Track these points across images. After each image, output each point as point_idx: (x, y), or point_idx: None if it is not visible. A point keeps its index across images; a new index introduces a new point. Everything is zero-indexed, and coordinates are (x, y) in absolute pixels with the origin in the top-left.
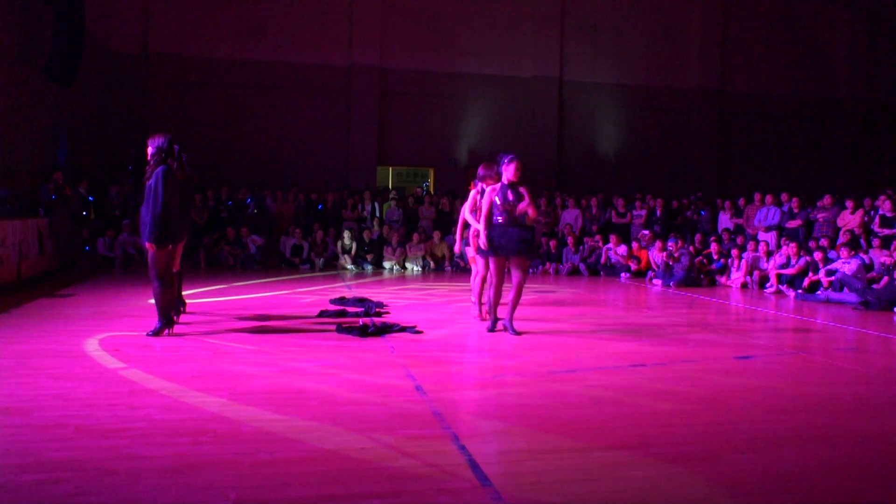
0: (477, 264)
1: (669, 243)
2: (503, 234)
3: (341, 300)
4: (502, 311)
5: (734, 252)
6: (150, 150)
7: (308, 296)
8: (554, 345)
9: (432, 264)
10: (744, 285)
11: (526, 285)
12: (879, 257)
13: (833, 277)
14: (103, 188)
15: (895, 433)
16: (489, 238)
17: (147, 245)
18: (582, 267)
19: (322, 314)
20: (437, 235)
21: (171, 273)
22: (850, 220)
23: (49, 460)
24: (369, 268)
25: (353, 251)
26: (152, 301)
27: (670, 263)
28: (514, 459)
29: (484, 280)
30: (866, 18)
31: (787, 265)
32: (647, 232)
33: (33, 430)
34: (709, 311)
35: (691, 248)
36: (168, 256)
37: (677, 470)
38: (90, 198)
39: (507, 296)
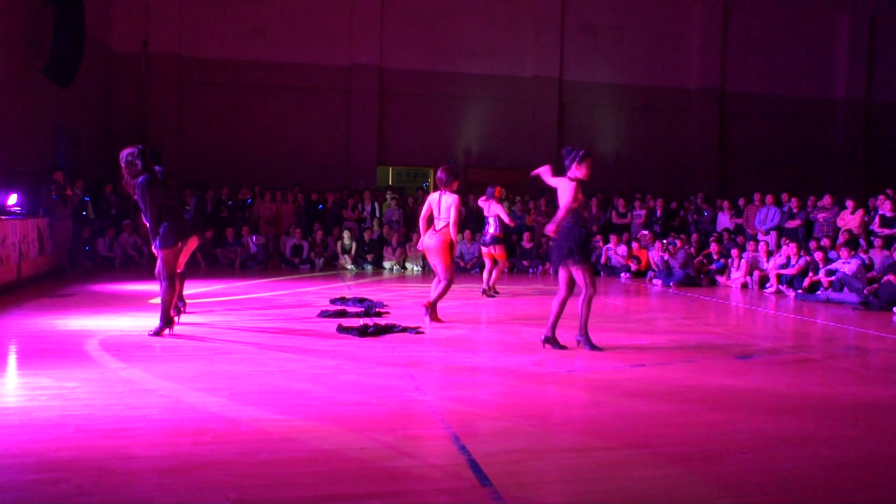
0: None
1: (667, 240)
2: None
3: (341, 300)
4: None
5: (734, 252)
6: (121, 163)
7: (308, 296)
8: None
9: None
10: (744, 285)
11: (526, 285)
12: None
13: (833, 277)
14: (101, 188)
15: (895, 433)
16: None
17: (154, 250)
18: None
19: (322, 314)
20: None
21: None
22: (850, 220)
23: (49, 460)
24: (369, 268)
25: (353, 251)
26: (154, 301)
27: (666, 258)
28: (514, 459)
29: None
30: (866, 19)
31: (787, 265)
32: (647, 232)
33: (33, 430)
34: (709, 311)
35: (692, 250)
36: (177, 255)
37: (677, 470)
38: (86, 198)
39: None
